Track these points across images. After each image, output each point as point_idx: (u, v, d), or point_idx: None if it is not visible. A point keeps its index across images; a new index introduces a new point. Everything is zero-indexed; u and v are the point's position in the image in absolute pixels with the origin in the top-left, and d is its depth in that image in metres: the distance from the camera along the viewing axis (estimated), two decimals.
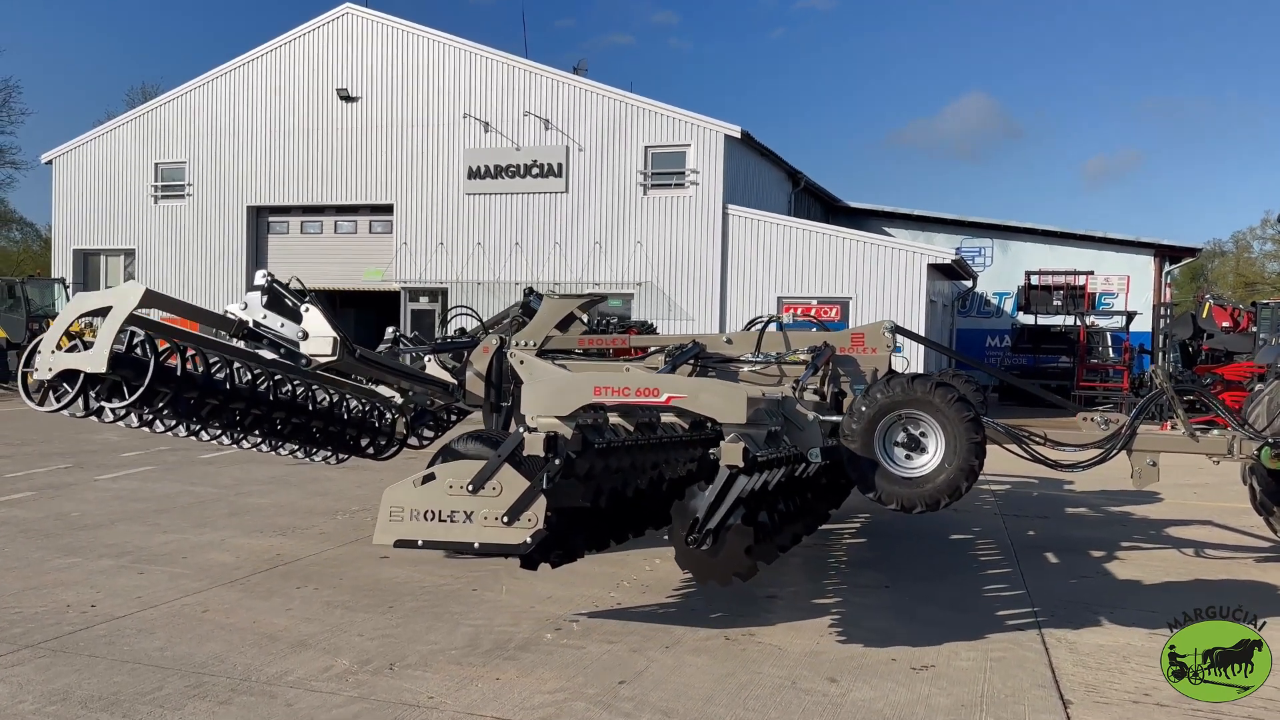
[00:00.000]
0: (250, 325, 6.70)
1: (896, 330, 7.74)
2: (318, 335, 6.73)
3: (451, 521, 5.35)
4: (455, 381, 8.33)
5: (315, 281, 24.22)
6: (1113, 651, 5.51)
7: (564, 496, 5.42)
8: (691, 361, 7.89)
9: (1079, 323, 25.72)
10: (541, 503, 5.20)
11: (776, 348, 7.91)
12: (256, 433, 7.08)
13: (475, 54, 24.47)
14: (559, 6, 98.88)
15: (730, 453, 5.02)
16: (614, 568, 7.18)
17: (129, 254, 27.91)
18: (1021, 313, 27.96)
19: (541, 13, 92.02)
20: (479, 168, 24.07)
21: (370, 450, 8.05)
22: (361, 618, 6.00)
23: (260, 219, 27.16)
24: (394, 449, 8.29)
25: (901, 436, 5.68)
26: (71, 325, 5.94)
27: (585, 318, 8.70)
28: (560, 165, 23.50)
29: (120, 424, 6.27)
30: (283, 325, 6.76)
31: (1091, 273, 26.82)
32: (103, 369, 5.56)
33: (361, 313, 26.73)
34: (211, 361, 6.45)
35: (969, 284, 29.52)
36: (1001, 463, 7.26)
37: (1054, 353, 26.38)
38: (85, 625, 5.74)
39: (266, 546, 7.89)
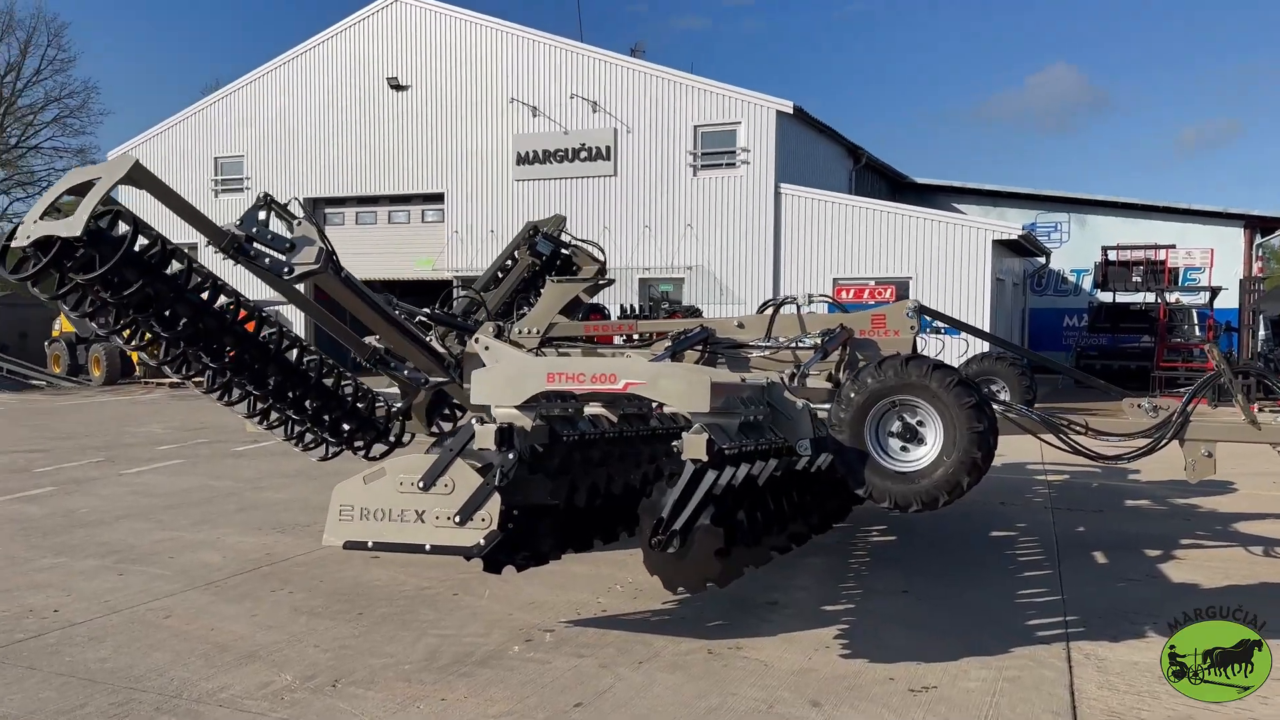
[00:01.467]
0: (242, 239, 6.41)
1: (921, 310, 7.09)
2: (305, 245, 6.40)
3: (402, 521, 4.95)
4: (454, 360, 7.86)
5: (370, 272, 24.23)
6: (1147, 670, 4.82)
7: (525, 493, 4.97)
8: (700, 347, 7.36)
9: (1160, 300, 24.27)
10: (496, 501, 4.75)
11: (792, 331, 7.35)
12: (238, 382, 6.69)
13: (522, 37, 24.12)
14: None
15: (693, 445, 4.51)
16: (611, 569, 6.69)
17: (191, 247, 28.29)
18: (1099, 290, 26.55)
19: None
20: (527, 153, 23.73)
21: (359, 443, 7.61)
22: (325, 625, 5.63)
23: (317, 211, 27.25)
24: (382, 448, 7.82)
25: (896, 426, 5.06)
26: (58, 198, 5.75)
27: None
28: (608, 148, 23.02)
29: (96, 327, 5.98)
30: (271, 239, 6.46)
31: (1173, 246, 25.28)
32: (78, 232, 5.34)
33: (416, 302, 26.68)
34: (201, 282, 6.16)
35: (1042, 261, 28.19)
36: (1062, 453, 6.54)
37: (1134, 332, 24.96)
38: (38, 633, 5.49)
39: (259, 545, 7.62)
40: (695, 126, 22.38)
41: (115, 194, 5.77)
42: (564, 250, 9.46)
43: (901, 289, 20.52)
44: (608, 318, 9.40)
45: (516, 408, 4.94)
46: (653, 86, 22.78)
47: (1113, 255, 25.60)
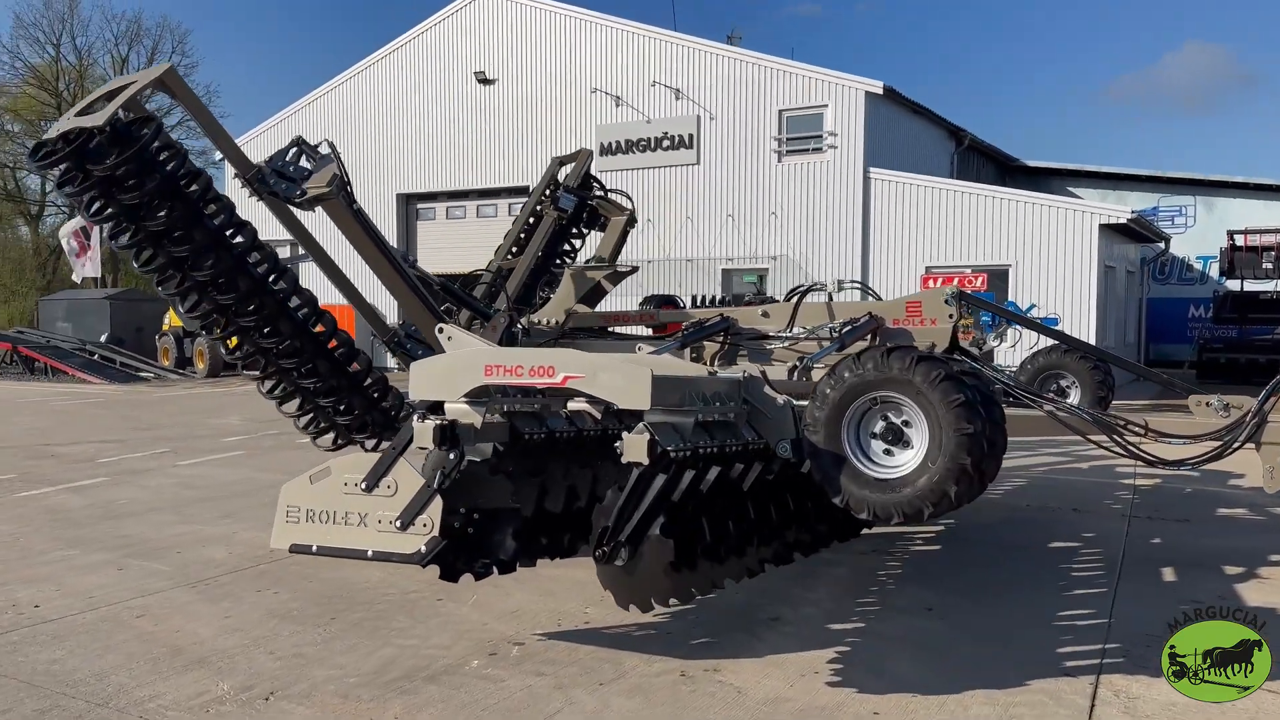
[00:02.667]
0: (267, 172, 6.46)
1: (960, 298, 6.41)
2: (319, 170, 6.49)
3: (346, 524, 4.63)
4: None
5: (459, 266, 24.28)
6: (1182, 713, 4.10)
7: (478, 496, 4.57)
8: (720, 338, 6.84)
9: None
10: (438, 505, 4.36)
11: (821, 320, 6.76)
12: (243, 329, 6.49)
13: (603, 25, 23.78)
14: None
15: (633, 446, 4.00)
16: None
17: (292, 244, 29.00)
18: (1225, 278, 24.62)
19: None
20: (610, 143, 23.38)
21: (366, 431, 7.26)
22: (291, 630, 5.37)
23: (409, 206, 27.61)
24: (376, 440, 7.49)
25: (879, 426, 4.43)
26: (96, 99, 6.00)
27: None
28: (691, 136, 22.47)
29: (112, 244, 6.07)
30: (294, 171, 6.58)
31: None
32: (100, 123, 5.56)
33: None
34: (217, 210, 6.17)
35: (1162, 246, 26.33)
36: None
37: (1265, 323, 23.01)
38: (8, 629, 5.39)
39: (268, 541, 7.42)
40: (780, 111, 21.62)
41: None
42: (590, 202, 9.09)
43: (998, 277, 19.37)
44: (681, 309, 8.94)
45: (466, 403, 4.54)
46: (736, 71, 22.11)
47: (1239, 240, 23.68)
